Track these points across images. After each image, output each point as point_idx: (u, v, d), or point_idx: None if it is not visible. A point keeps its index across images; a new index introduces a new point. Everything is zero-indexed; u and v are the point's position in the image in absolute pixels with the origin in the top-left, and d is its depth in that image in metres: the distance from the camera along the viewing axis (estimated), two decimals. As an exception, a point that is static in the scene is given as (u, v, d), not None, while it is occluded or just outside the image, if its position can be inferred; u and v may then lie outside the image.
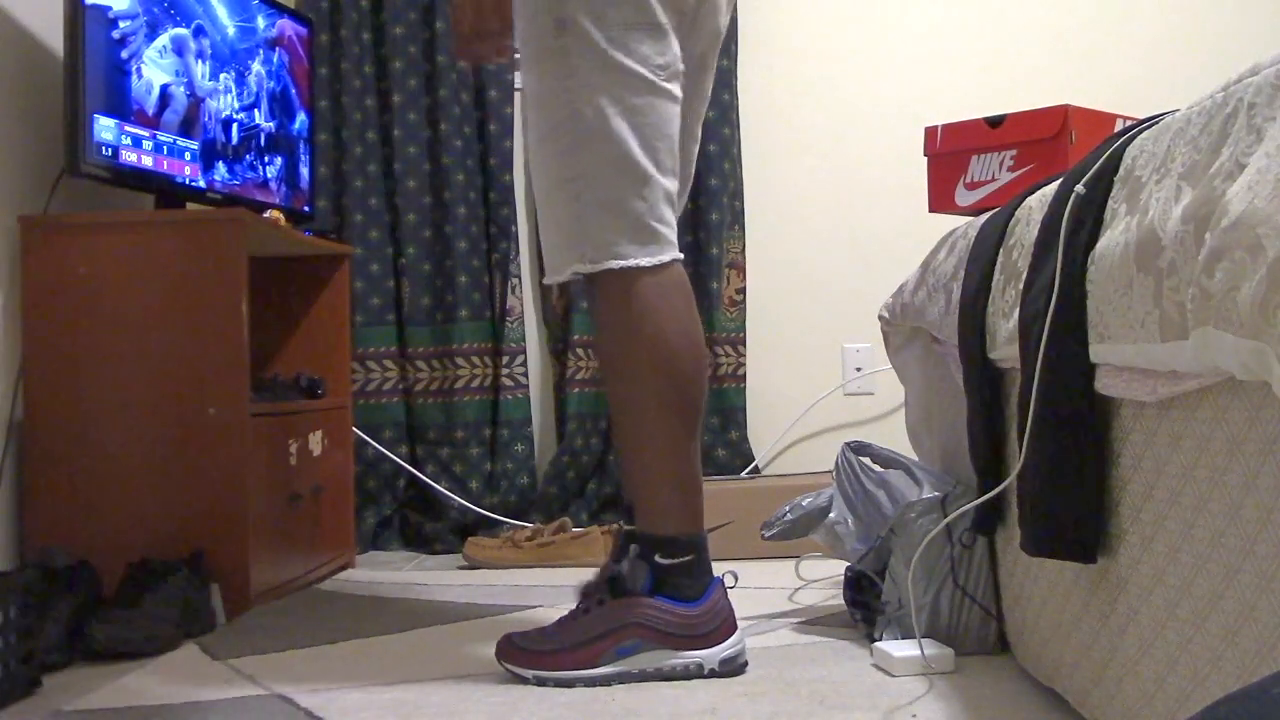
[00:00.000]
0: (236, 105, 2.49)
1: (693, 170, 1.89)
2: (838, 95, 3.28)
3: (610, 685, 1.63)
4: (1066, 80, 3.25)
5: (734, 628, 1.67)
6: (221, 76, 2.44)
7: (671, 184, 1.69)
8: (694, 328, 1.68)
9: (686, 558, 1.65)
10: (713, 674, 1.64)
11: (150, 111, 2.24)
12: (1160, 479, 1.07)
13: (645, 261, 1.65)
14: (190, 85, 2.35)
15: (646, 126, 1.65)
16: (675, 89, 1.68)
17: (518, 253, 3.13)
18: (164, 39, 2.28)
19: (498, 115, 3.14)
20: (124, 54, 2.18)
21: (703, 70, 1.84)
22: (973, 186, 2.04)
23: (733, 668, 1.66)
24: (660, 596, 1.64)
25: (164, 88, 2.28)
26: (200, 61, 2.38)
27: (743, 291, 3.19)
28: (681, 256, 1.70)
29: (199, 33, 2.38)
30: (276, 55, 2.64)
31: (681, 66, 1.71)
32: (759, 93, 3.26)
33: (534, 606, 2.20)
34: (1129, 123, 1.56)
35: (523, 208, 3.18)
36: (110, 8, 2.14)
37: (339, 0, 3.11)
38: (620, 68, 1.65)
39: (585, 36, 1.65)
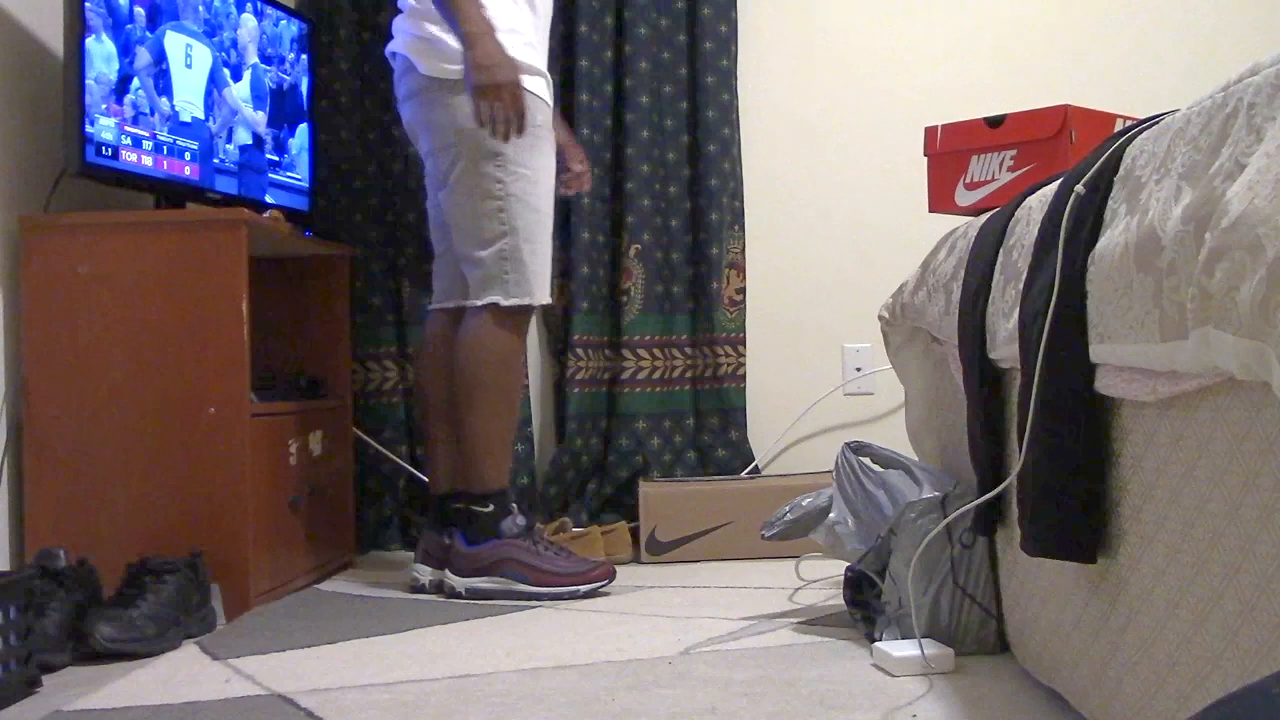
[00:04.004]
0: (237, 105, 2.49)
1: (454, 225, 2.40)
2: (838, 95, 3.28)
3: None
4: (1066, 80, 3.26)
5: None
6: (222, 76, 2.44)
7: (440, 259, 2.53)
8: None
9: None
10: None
11: (150, 111, 2.24)
12: (1160, 479, 1.07)
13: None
14: (191, 85, 2.35)
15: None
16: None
17: (518, 253, 3.14)
18: (165, 38, 2.28)
19: (498, 115, 3.14)
20: (125, 53, 2.18)
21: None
22: (973, 186, 2.04)
23: None
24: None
25: (165, 87, 2.28)
26: (201, 61, 2.38)
27: (743, 291, 3.18)
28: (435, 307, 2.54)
29: (200, 32, 2.38)
30: (277, 55, 2.64)
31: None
32: (758, 92, 3.26)
33: (533, 606, 2.20)
34: (1129, 123, 1.56)
35: (523, 208, 3.18)
36: (112, 6, 2.14)
37: (339, 0, 3.11)
38: None
39: None
